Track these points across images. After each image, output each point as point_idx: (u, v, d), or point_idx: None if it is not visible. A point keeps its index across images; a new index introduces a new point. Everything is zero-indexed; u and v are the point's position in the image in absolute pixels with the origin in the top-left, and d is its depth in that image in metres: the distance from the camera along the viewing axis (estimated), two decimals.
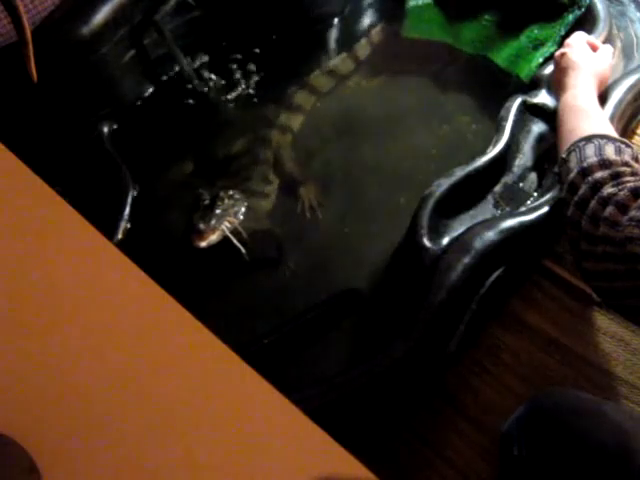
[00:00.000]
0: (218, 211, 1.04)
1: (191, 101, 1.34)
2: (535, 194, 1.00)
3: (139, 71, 1.32)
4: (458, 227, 0.95)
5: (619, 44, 1.16)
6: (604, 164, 0.71)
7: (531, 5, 1.26)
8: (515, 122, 1.03)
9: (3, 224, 0.54)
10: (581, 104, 0.87)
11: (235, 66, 1.38)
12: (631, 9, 1.27)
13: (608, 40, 1.10)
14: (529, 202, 0.99)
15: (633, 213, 0.64)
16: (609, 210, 0.66)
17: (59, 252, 0.53)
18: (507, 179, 1.02)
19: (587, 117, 0.84)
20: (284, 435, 0.44)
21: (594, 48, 1.00)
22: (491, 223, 0.89)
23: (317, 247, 1.10)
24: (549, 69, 1.10)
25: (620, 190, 0.66)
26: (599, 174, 0.70)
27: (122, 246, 1.05)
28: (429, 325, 0.82)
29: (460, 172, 0.97)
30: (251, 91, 1.35)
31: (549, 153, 1.03)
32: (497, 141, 1.01)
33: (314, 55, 1.41)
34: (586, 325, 0.94)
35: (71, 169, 1.17)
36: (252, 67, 1.38)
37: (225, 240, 1.04)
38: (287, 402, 0.44)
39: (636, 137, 1.15)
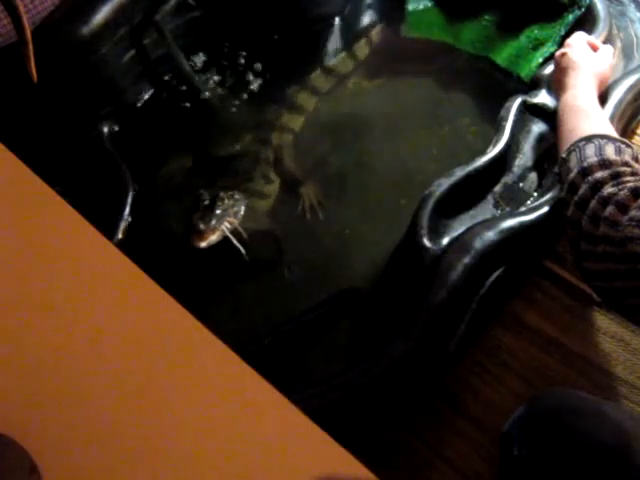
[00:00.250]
0: (218, 211, 1.04)
1: (191, 101, 1.34)
2: (535, 194, 1.00)
3: (139, 71, 1.32)
4: (458, 227, 0.95)
5: (619, 44, 1.16)
6: (604, 164, 0.71)
7: (531, 5, 1.26)
8: (515, 122, 1.03)
9: (3, 224, 0.54)
10: (581, 104, 0.87)
11: (235, 66, 1.38)
12: (631, 9, 1.27)
13: (608, 40, 1.10)
14: (529, 202, 0.99)
15: (633, 213, 0.64)
16: (609, 210, 0.66)
17: (59, 252, 0.53)
18: (507, 179, 1.02)
19: (587, 117, 0.84)
20: (284, 435, 0.44)
21: (594, 48, 1.00)
22: (491, 223, 0.89)
23: (317, 247, 1.10)
24: (549, 69, 1.10)
25: (620, 190, 0.66)
26: (599, 174, 0.70)
27: (122, 246, 1.05)
28: (429, 325, 0.82)
29: (460, 172, 0.96)
30: (251, 91, 1.35)
31: (549, 153, 1.03)
32: (497, 141, 1.01)
33: (314, 55, 1.41)
34: (586, 325, 0.94)
35: (71, 169, 1.17)
36: (252, 67, 1.38)
37: (225, 240, 1.04)
38: (287, 402, 0.44)
39: (636, 137, 1.15)
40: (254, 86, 1.36)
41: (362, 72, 1.39)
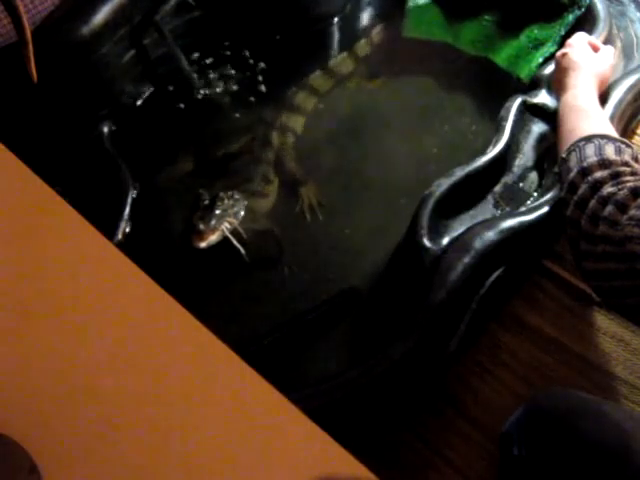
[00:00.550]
0: (218, 211, 1.04)
1: (191, 101, 1.34)
2: (535, 194, 1.00)
3: (139, 71, 1.32)
4: (458, 227, 0.95)
5: (619, 44, 1.16)
6: (604, 164, 0.71)
7: (531, 5, 1.26)
8: (515, 122, 1.03)
9: (3, 224, 0.54)
10: (581, 104, 0.87)
11: (235, 66, 1.38)
12: (631, 9, 1.27)
13: (608, 40, 1.11)
14: (529, 202, 0.99)
15: (633, 212, 0.64)
16: (609, 209, 0.66)
17: (59, 252, 0.53)
18: (507, 179, 1.02)
19: (587, 117, 0.84)
20: (284, 435, 0.44)
21: (595, 49, 1.00)
22: (491, 223, 0.89)
23: (317, 247, 1.10)
24: (549, 69, 1.10)
25: (620, 190, 0.67)
26: (599, 174, 0.71)
27: (122, 246, 1.05)
28: (429, 325, 0.82)
29: (460, 172, 0.96)
30: (251, 91, 1.35)
31: (549, 153, 1.03)
32: (497, 141, 1.01)
33: (314, 55, 1.41)
34: (586, 325, 0.94)
35: (71, 169, 1.17)
36: (252, 67, 1.38)
37: (225, 240, 1.04)
38: (287, 402, 0.44)
39: (636, 137, 1.15)
40: (254, 86, 1.36)
41: (362, 72, 1.39)
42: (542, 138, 1.05)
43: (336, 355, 0.95)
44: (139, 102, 1.34)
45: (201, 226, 1.02)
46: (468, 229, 0.89)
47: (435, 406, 0.88)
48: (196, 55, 1.39)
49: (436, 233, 0.92)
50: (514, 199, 1.00)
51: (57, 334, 0.49)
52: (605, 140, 0.75)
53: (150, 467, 0.43)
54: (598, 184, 0.70)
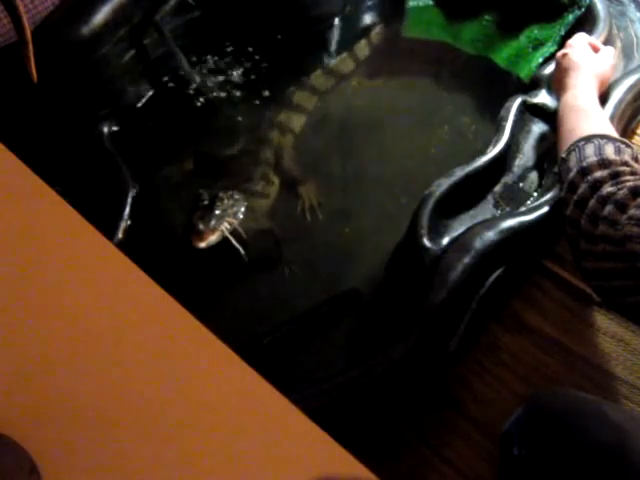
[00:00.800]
0: (218, 211, 1.04)
1: (191, 101, 1.34)
2: (535, 194, 1.00)
3: (139, 71, 1.32)
4: (458, 227, 0.95)
5: (619, 44, 1.16)
6: (604, 164, 0.72)
7: (531, 5, 1.26)
8: (515, 122, 1.04)
9: (3, 224, 0.54)
10: (581, 104, 0.87)
11: (235, 66, 1.38)
12: (631, 9, 1.27)
13: (608, 40, 1.11)
14: (529, 202, 0.99)
15: (632, 212, 0.64)
16: (608, 209, 0.66)
17: (59, 252, 0.53)
18: (507, 179, 1.02)
19: (587, 117, 0.84)
20: (284, 435, 0.44)
21: (595, 49, 1.00)
22: (491, 223, 0.89)
23: (317, 247, 1.10)
24: (549, 69, 1.10)
25: (619, 189, 0.67)
26: (598, 173, 0.71)
27: (122, 246, 1.05)
28: (429, 325, 0.82)
29: (460, 172, 0.96)
30: (251, 91, 1.35)
31: (549, 153, 1.03)
32: (497, 141, 1.01)
33: (314, 55, 1.41)
34: (586, 325, 0.94)
35: (71, 169, 1.17)
36: (252, 67, 1.38)
37: (225, 240, 1.04)
38: (287, 402, 0.44)
39: (636, 137, 1.15)
40: (254, 86, 1.36)
41: (362, 72, 1.39)
42: (542, 138, 1.05)
43: (336, 355, 0.95)
44: (139, 102, 1.34)
45: (201, 226, 1.02)
46: (468, 229, 0.89)
47: (435, 406, 0.88)
48: (196, 55, 1.39)
49: (436, 233, 0.92)
50: (514, 199, 1.00)
51: (57, 334, 0.49)
52: (605, 140, 0.75)
53: (150, 467, 0.43)
54: (598, 184, 0.70)
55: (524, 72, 1.21)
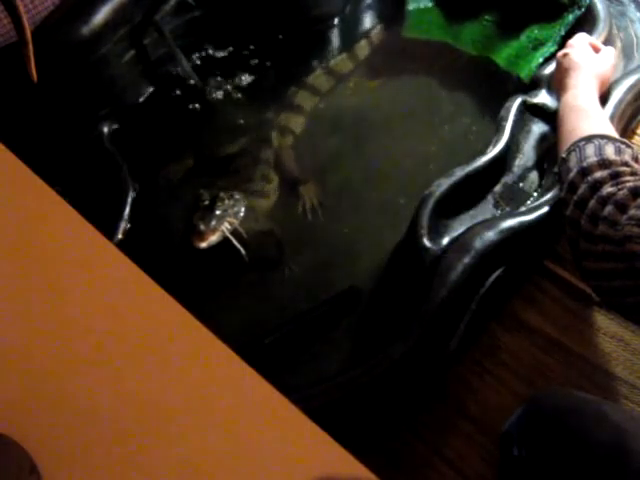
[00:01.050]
0: (218, 212, 1.04)
1: (191, 101, 1.34)
2: (535, 194, 1.00)
3: (139, 71, 1.32)
4: (458, 227, 0.95)
5: (619, 44, 1.16)
6: (604, 164, 0.71)
7: (531, 5, 1.26)
8: (515, 122, 1.04)
9: (3, 224, 0.54)
10: (582, 104, 0.87)
11: (235, 66, 1.38)
12: (631, 9, 1.27)
13: (608, 40, 1.10)
14: (529, 202, 0.99)
15: (632, 212, 0.64)
16: (608, 209, 0.66)
17: (59, 252, 0.53)
18: (507, 179, 1.02)
19: (587, 117, 0.84)
20: (284, 435, 0.44)
21: (596, 50, 1.00)
22: (491, 223, 0.89)
23: (317, 247, 1.10)
24: (549, 69, 1.10)
25: (619, 190, 0.67)
26: (599, 174, 0.71)
27: (122, 246, 1.05)
28: (429, 325, 0.82)
29: (460, 172, 0.96)
30: (251, 91, 1.35)
31: (549, 153, 1.03)
32: (497, 141, 1.01)
33: (314, 55, 1.41)
34: (586, 325, 0.94)
35: (71, 169, 1.17)
36: (252, 67, 1.38)
37: (225, 241, 1.04)
38: (287, 402, 0.44)
39: (636, 137, 1.15)
40: (254, 86, 1.36)
41: (362, 72, 1.39)
42: (542, 138, 1.05)
43: (336, 355, 0.95)
44: (139, 102, 1.34)
45: (201, 226, 1.02)
46: (468, 229, 0.89)
47: (435, 406, 0.88)
48: (196, 55, 1.39)
49: (436, 233, 0.92)
50: (514, 199, 1.00)
51: (57, 334, 0.49)
52: (605, 140, 0.75)
53: (150, 467, 0.43)
54: (598, 184, 0.70)
55: (524, 72, 1.21)
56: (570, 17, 1.19)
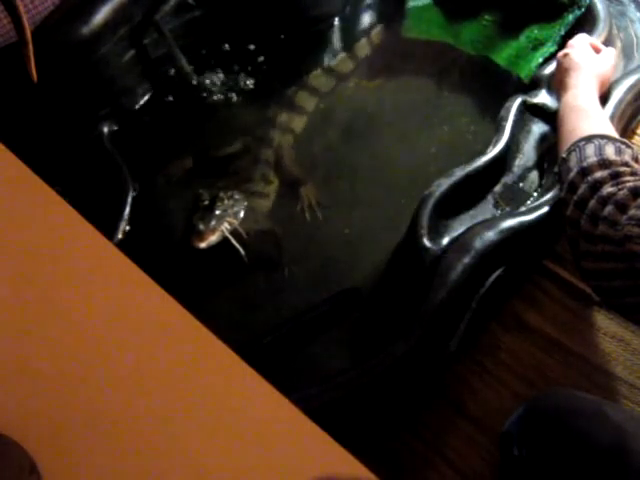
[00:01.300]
0: (218, 212, 1.04)
1: (191, 101, 1.34)
2: (535, 194, 1.00)
3: (139, 71, 1.32)
4: (458, 227, 0.95)
5: (619, 44, 1.16)
6: (604, 164, 0.71)
7: (531, 5, 1.26)
8: (515, 122, 1.03)
9: (3, 224, 0.54)
10: (582, 104, 0.87)
11: (235, 66, 1.38)
12: (631, 9, 1.27)
13: (608, 40, 1.11)
14: (529, 202, 0.99)
15: (632, 212, 0.64)
16: (608, 209, 0.66)
17: (59, 252, 0.53)
18: (507, 179, 1.02)
19: (587, 117, 0.84)
20: (284, 435, 0.44)
21: (597, 50, 1.00)
22: (491, 223, 0.89)
23: (317, 247, 1.10)
24: (549, 69, 1.10)
25: (619, 190, 0.67)
26: (599, 174, 0.71)
27: (122, 246, 1.05)
28: (429, 325, 0.82)
29: (460, 172, 0.96)
30: (251, 91, 1.35)
31: (549, 153, 1.03)
32: (497, 141, 1.01)
33: (314, 55, 1.42)
34: (586, 325, 0.94)
35: (71, 169, 1.17)
36: (252, 67, 1.38)
37: (225, 241, 1.04)
38: (287, 402, 0.44)
39: (636, 137, 1.15)
40: (254, 86, 1.36)
41: (362, 72, 1.39)
42: (542, 138, 1.05)
43: (336, 355, 0.95)
44: (139, 102, 1.34)
45: (201, 226, 1.02)
46: (468, 229, 0.89)
47: (435, 406, 0.88)
48: (196, 55, 1.39)
49: (436, 233, 0.92)
50: (514, 199, 1.00)
51: (57, 334, 0.49)
52: (605, 140, 0.75)
53: (150, 467, 0.43)
54: (598, 184, 0.70)
55: (524, 72, 1.21)
56: (570, 17, 1.19)
